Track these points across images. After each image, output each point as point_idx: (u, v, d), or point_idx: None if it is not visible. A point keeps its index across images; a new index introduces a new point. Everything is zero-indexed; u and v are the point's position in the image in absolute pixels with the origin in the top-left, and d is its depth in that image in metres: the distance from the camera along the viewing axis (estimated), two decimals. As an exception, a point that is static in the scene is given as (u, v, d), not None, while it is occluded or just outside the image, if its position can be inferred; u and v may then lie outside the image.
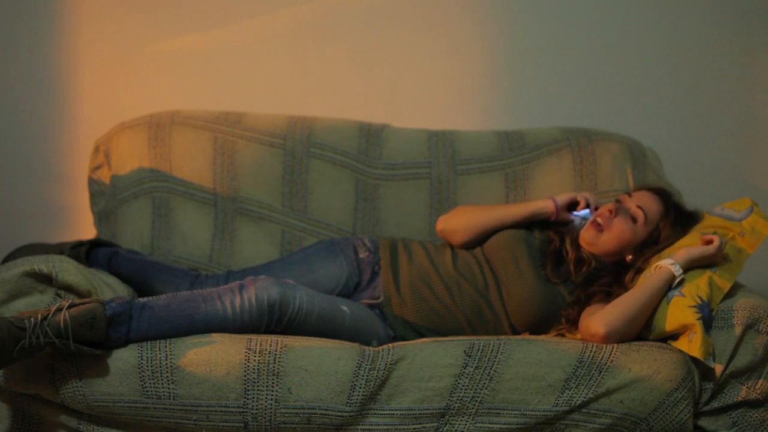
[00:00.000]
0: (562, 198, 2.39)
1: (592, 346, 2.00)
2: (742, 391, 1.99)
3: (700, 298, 2.00)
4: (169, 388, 1.94)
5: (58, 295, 2.07)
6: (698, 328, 1.96)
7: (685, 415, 1.96)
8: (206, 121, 2.60)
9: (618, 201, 2.31)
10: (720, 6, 2.84)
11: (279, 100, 2.80)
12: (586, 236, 2.29)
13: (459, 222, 2.39)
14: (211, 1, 2.81)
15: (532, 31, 2.84)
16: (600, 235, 2.27)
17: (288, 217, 2.55)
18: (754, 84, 2.86)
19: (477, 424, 1.95)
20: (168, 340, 1.97)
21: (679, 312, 2.00)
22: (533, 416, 1.95)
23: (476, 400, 1.95)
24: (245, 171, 2.56)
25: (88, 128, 2.78)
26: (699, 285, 2.03)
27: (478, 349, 1.98)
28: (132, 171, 2.54)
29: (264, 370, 1.94)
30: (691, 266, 2.09)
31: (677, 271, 2.07)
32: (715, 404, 2.00)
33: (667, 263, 2.08)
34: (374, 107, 2.80)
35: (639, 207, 2.26)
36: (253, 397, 1.94)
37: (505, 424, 1.95)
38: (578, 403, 1.95)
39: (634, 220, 2.25)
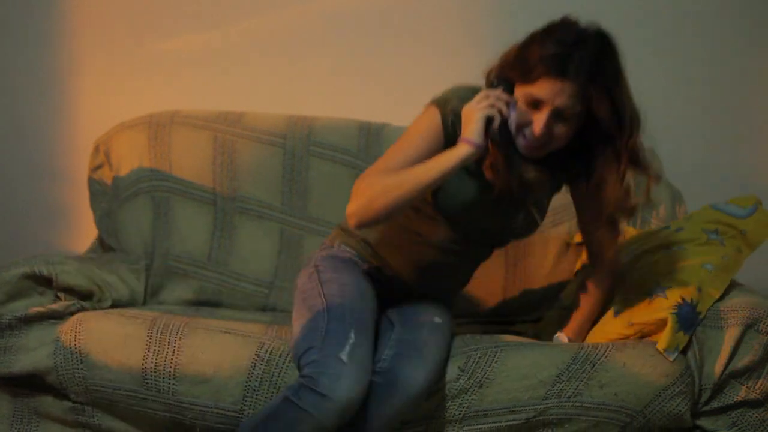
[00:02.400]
0: (472, 132, 1.85)
1: (588, 345, 2.00)
2: (741, 391, 1.99)
3: (683, 299, 2.00)
4: (170, 384, 1.95)
5: (58, 297, 2.07)
6: (670, 321, 1.97)
7: (683, 408, 1.96)
8: (206, 121, 2.60)
9: (533, 104, 1.86)
10: (720, 5, 2.84)
11: (279, 100, 2.80)
12: (526, 153, 1.92)
13: (379, 210, 1.86)
14: (211, 1, 2.81)
15: (531, 31, 2.83)
16: (544, 150, 1.92)
17: (287, 216, 2.55)
18: (754, 84, 2.86)
19: (465, 428, 1.94)
20: (178, 334, 1.97)
21: (654, 312, 2.02)
22: (522, 410, 1.94)
23: (463, 406, 1.95)
24: (245, 170, 2.56)
25: (88, 128, 2.78)
26: (687, 287, 2.02)
27: (474, 362, 1.97)
28: (132, 170, 2.54)
29: (267, 380, 1.94)
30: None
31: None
32: (714, 404, 2.00)
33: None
34: (374, 107, 2.80)
35: (563, 109, 1.85)
36: (251, 405, 1.94)
37: (494, 422, 1.94)
38: (569, 394, 1.95)
39: (567, 118, 1.87)
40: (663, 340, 1.97)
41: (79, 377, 1.98)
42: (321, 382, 1.73)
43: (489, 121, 1.87)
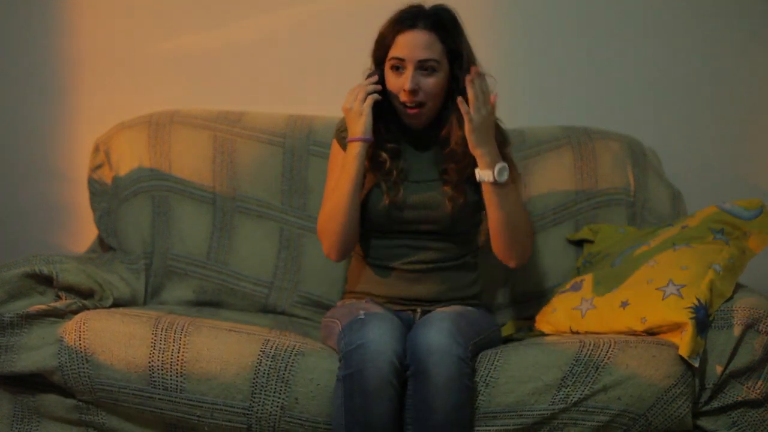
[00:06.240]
0: (355, 129, 2.12)
1: (590, 344, 2.00)
2: (742, 391, 1.99)
3: (699, 300, 2.00)
4: (177, 381, 1.95)
5: (59, 296, 2.07)
6: (690, 327, 1.96)
7: (684, 410, 1.96)
8: (206, 120, 2.60)
9: (397, 68, 2.12)
10: (720, 5, 2.84)
11: (279, 99, 2.80)
12: (411, 122, 2.15)
13: (336, 233, 2.15)
14: (211, 1, 2.81)
15: (531, 30, 2.84)
16: (423, 110, 2.13)
17: (287, 215, 2.55)
18: (754, 84, 2.86)
19: (474, 428, 1.94)
20: (183, 332, 1.98)
21: (672, 312, 2.00)
22: (530, 416, 1.94)
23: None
24: (245, 169, 2.56)
25: (88, 128, 2.78)
26: (700, 287, 2.03)
27: (476, 360, 1.98)
28: (132, 170, 2.54)
29: (274, 375, 1.94)
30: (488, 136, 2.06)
31: (497, 175, 2.06)
32: (715, 404, 2.00)
33: (487, 175, 2.07)
34: (374, 107, 2.79)
35: (424, 61, 2.09)
36: (260, 401, 1.94)
37: (502, 426, 1.94)
38: (575, 400, 1.95)
39: (433, 69, 2.10)
40: (685, 347, 1.95)
41: (85, 377, 1.98)
42: (352, 341, 1.86)
43: (374, 106, 2.11)
